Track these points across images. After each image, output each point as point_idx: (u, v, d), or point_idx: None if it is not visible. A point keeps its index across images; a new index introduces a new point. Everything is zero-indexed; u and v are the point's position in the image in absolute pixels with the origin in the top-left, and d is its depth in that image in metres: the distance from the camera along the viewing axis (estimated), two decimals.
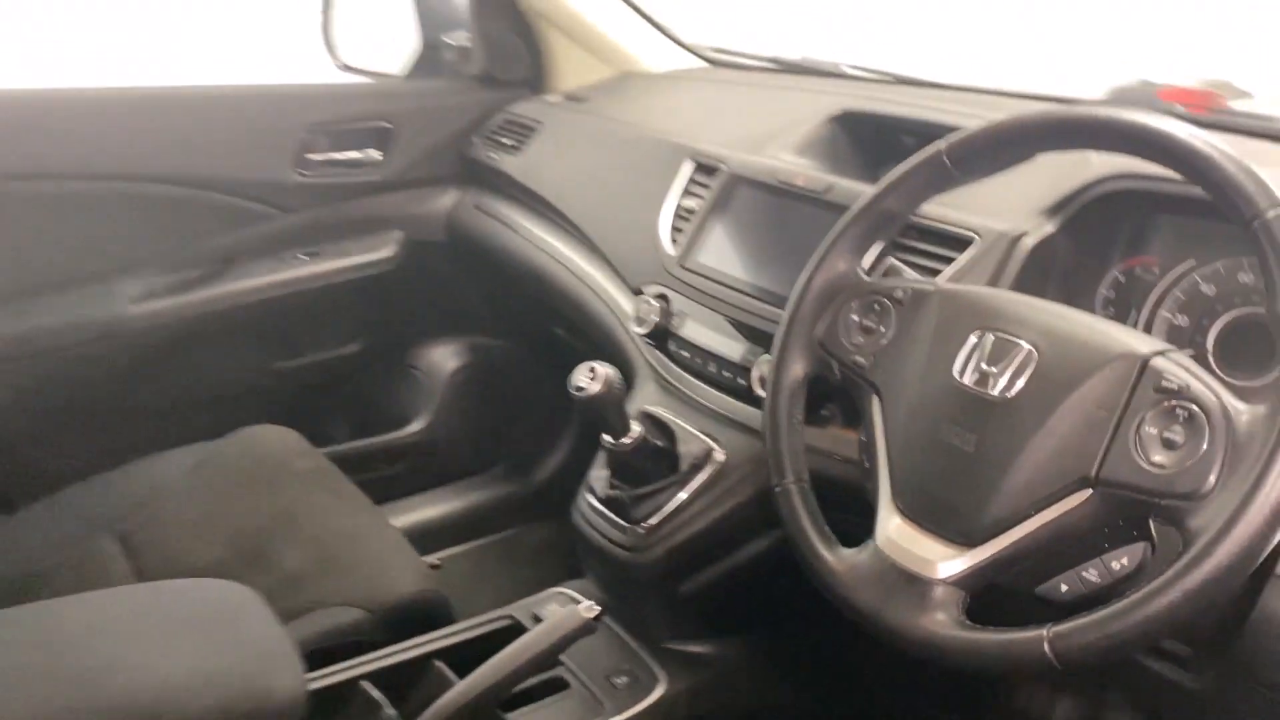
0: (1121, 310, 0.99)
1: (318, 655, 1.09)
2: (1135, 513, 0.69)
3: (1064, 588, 0.72)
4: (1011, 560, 0.72)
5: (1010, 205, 1.01)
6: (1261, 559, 0.62)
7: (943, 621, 0.72)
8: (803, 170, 1.21)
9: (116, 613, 0.96)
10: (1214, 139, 0.71)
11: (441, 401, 1.83)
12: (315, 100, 1.70)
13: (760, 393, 1.03)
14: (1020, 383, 0.75)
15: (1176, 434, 0.67)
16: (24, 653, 0.87)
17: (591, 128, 1.64)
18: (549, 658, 1.05)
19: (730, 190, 1.26)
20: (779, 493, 0.87)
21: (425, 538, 1.53)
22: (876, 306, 0.88)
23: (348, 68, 1.82)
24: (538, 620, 1.13)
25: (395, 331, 1.85)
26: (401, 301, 1.80)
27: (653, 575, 1.13)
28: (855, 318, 0.89)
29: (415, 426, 1.81)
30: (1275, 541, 0.62)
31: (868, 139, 1.32)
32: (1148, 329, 0.97)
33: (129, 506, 1.33)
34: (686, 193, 1.33)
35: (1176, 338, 0.95)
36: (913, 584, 0.74)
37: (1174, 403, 0.67)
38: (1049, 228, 0.98)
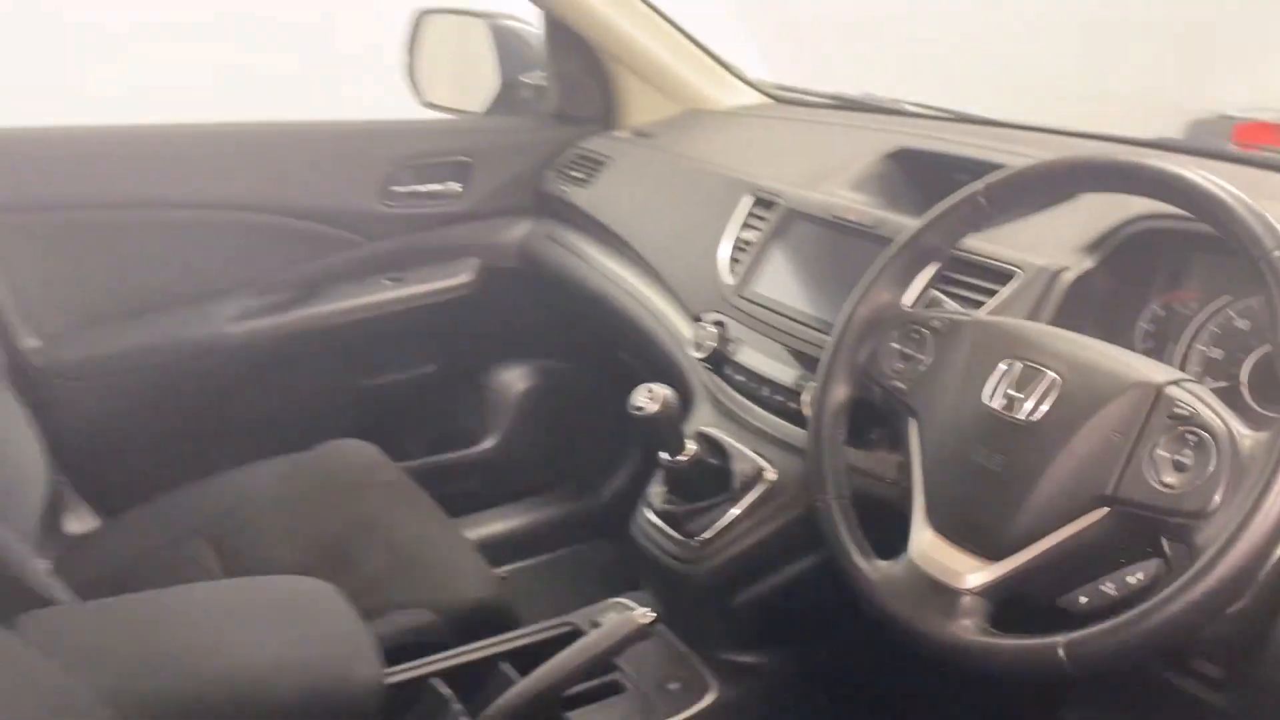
0: (1160, 343, 1.03)
1: (391, 653, 1.17)
2: (1147, 530, 0.74)
3: (1083, 600, 0.77)
4: (1033, 572, 0.77)
5: (1052, 240, 1.06)
6: (1263, 571, 0.66)
7: (967, 628, 0.78)
8: (856, 205, 1.27)
9: (214, 603, 1.06)
10: (1226, 183, 0.76)
11: (511, 421, 1.92)
12: (401, 136, 1.81)
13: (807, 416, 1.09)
14: (1044, 407, 0.80)
15: (1186, 457, 0.71)
16: (134, 635, 0.97)
17: (657, 162, 1.72)
18: (606, 659, 1.11)
19: (787, 223, 1.33)
20: (821, 507, 0.93)
21: (493, 550, 1.62)
22: (915, 335, 0.94)
23: (431, 105, 1.93)
24: (596, 627, 1.20)
25: (469, 353, 1.94)
26: (476, 325, 1.89)
27: (706, 586, 1.19)
28: (896, 345, 0.95)
29: (486, 444, 1.90)
30: (1276, 555, 0.66)
31: (922, 175, 1.38)
32: (1184, 361, 1.01)
33: (221, 513, 1.43)
34: (745, 225, 1.39)
35: (1212, 370, 0.99)
36: (941, 593, 0.80)
37: (1185, 428, 0.72)
38: (1088, 263, 1.02)
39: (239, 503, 1.45)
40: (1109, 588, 0.76)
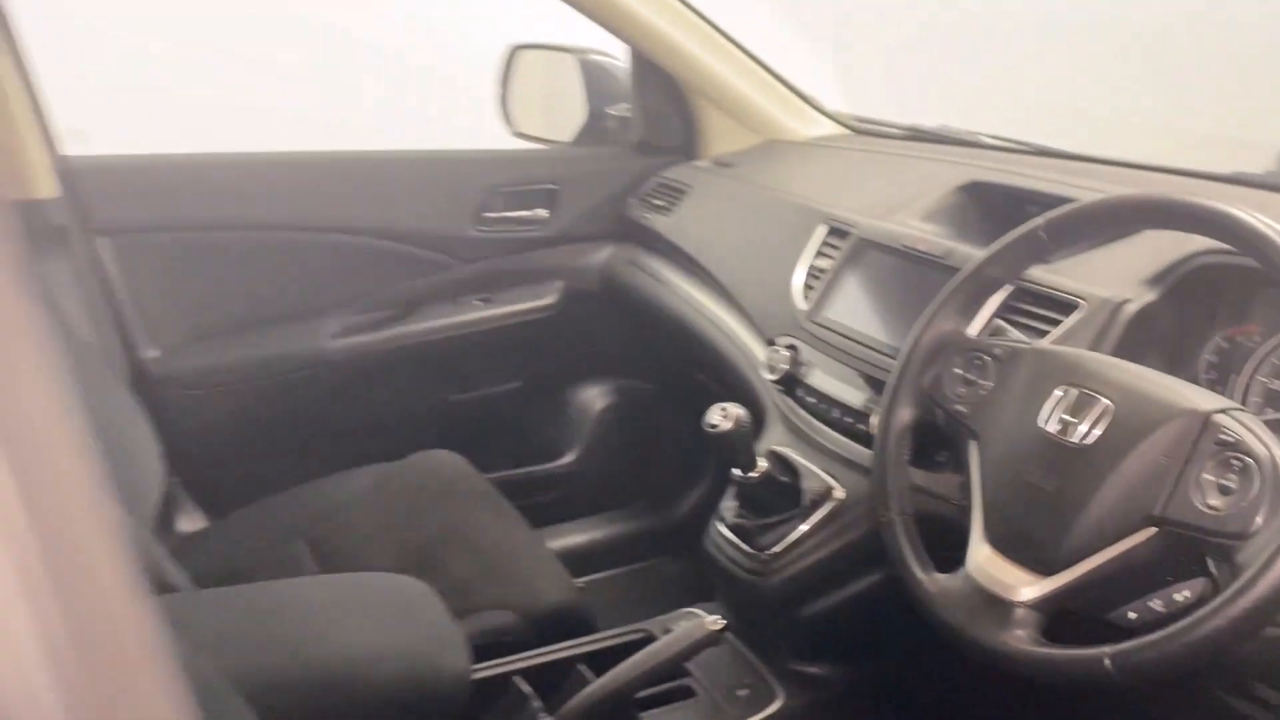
0: (1223, 374, 1.07)
1: (475, 651, 1.25)
2: (1193, 549, 0.78)
3: (1132, 615, 0.81)
4: (1084, 588, 0.82)
5: (1116, 273, 1.10)
6: None
7: (1020, 638, 0.82)
8: (926, 236, 1.32)
9: (321, 595, 1.15)
10: (1272, 221, 0.80)
11: (591, 437, 1.99)
12: (494, 165, 1.91)
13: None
14: (1097, 432, 0.84)
15: (1231, 481, 0.75)
16: (251, 621, 1.06)
17: (736, 191, 1.79)
18: (678, 663, 1.18)
19: (859, 252, 1.39)
20: (884, 523, 0.99)
21: (570, 561, 1.69)
22: (978, 361, 0.99)
23: (522, 135, 2.02)
24: (669, 633, 1.26)
25: (552, 371, 2.03)
26: (559, 344, 1.98)
27: (775, 598, 1.25)
28: (959, 371, 1.00)
29: (566, 459, 1.98)
30: None
31: (993, 208, 1.42)
32: (1245, 392, 1.04)
33: (320, 515, 1.53)
34: (819, 253, 1.45)
35: (1274, 401, 1.02)
36: (996, 605, 0.85)
37: (1230, 454, 0.76)
38: (1151, 296, 1.06)
39: (336, 507, 1.54)
40: (1157, 604, 0.80)
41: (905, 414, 1.02)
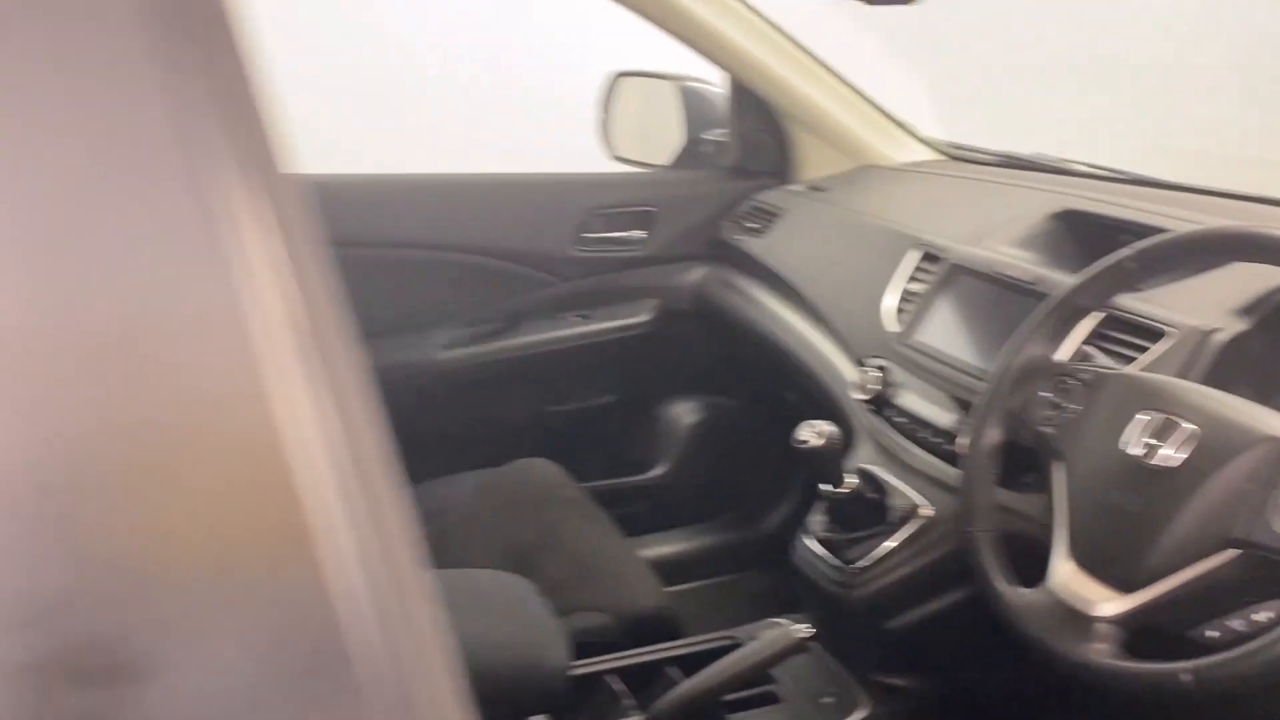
0: None
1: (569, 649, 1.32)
2: (1273, 572, 0.80)
3: (1211, 634, 0.84)
4: (1164, 605, 0.85)
5: (1206, 302, 1.12)
6: None
7: (1101, 651, 0.86)
8: (1017, 263, 1.36)
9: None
10: None
11: (680, 451, 2.06)
12: (595, 187, 2.00)
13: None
14: (1181, 456, 0.87)
15: None
16: None
17: (829, 215, 1.84)
18: (765, 669, 1.23)
19: (951, 277, 1.42)
20: (970, 538, 1.03)
21: (657, 571, 1.75)
22: (1065, 386, 1.02)
23: (620, 159, 2.11)
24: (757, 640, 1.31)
25: (645, 386, 2.10)
26: (652, 361, 2.04)
27: (861, 610, 1.29)
28: (1046, 394, 1.04)
29: (657, 471, 2.05)
30: None
31: (1086, 236, 1.44)
32: None
33: (426, 516, 1.62)
34: (912, 278, 1.49)
35: None
36: (1077, 619, 0.88)
37: None
38: (1242, 325, 1.08)
39: (439, 509, 1.63)
40: (1237, 623, 0.83)
41: (993, 434, 1.06)
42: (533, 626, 1.18)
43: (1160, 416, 0.91)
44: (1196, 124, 2.85)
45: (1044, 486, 1.06)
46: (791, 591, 1.44)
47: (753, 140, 2.01)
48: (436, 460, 1.79)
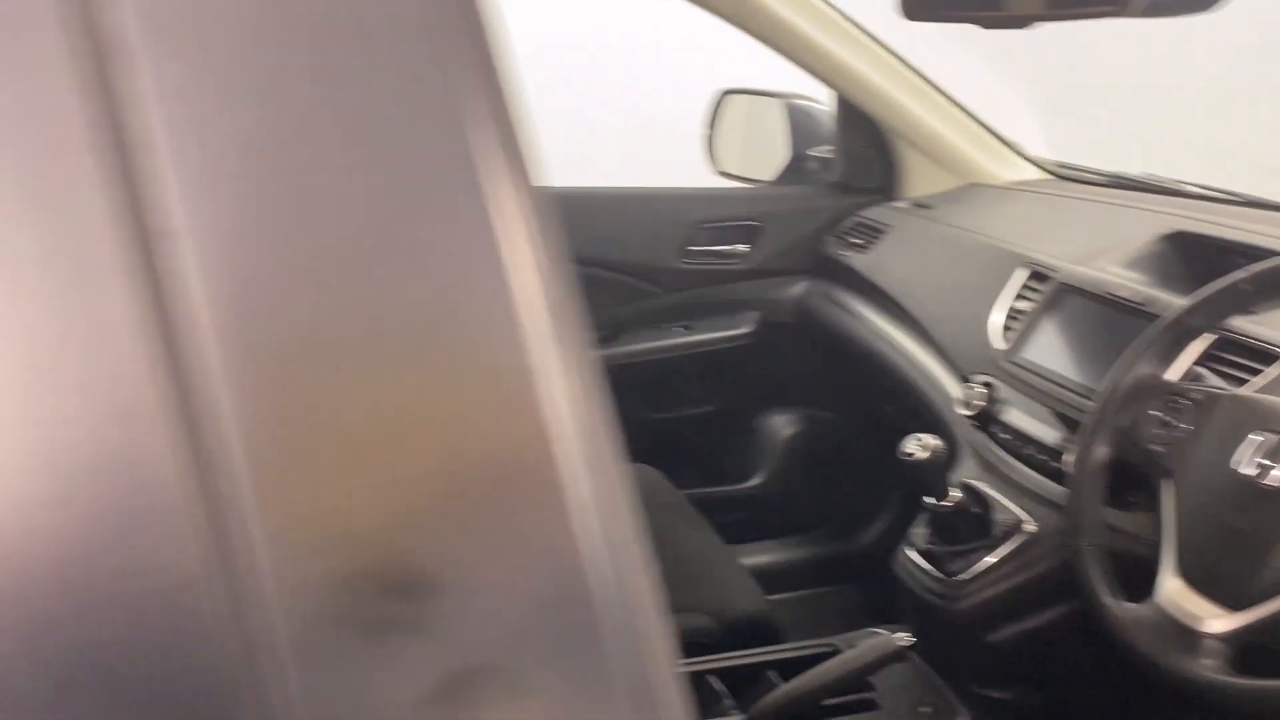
0: None
1: None
2: None
3: None
4: (1274, 624, 0.85)
5: None
6: None
7: (1208, 666, 0.87)
8: (1128, 283, 1.36)
9: None
10: None
11: (778, 462, 2.09)
12: (702, 202, 2.05)
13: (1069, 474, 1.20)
14: None
15: None
16: None
17: (934, 232, 1.85)
18: (865, 675, 1.26)
19: (1059, 296, 1.43)
20: (1077, 551, 1.04)
21: (755, 580, 1.79)
22: (1175, 405, 1.03)
23: (725, 175, 2.15)
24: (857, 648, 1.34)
25: (744, 397, 2.13)
26: (752, 372, 2.08)
27: (962, 622, 1.31)
28: (1156, 413, 1.05)
29: (754, 481, 2.08)
30: None
31: (1198, 258, 1.44)
32: None
33: None
34: (1019, 296, 1.50)
35: None
36: (1185, 635, 0.89)
37: None
38: None
39: None
40: None
41: (1102, 452, 1.07)
42: None
43: (1274, 438, 0.92)
44: None
45: (1151, 504, 1.07)
46: (886, 605, 1.46)
47: (858, 157, 2.03)
48: None
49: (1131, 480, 1.10)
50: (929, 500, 1.31)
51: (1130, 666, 0.97)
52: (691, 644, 1.40)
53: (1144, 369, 1.08)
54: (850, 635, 1.43)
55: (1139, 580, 0.99)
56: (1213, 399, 1.00)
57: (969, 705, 1.32)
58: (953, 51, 2.05)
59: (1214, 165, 2.17)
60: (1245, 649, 0.87)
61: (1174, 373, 1.09)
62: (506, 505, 0.30)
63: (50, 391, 0.26)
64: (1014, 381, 1.41)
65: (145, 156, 0.27)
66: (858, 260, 1.93)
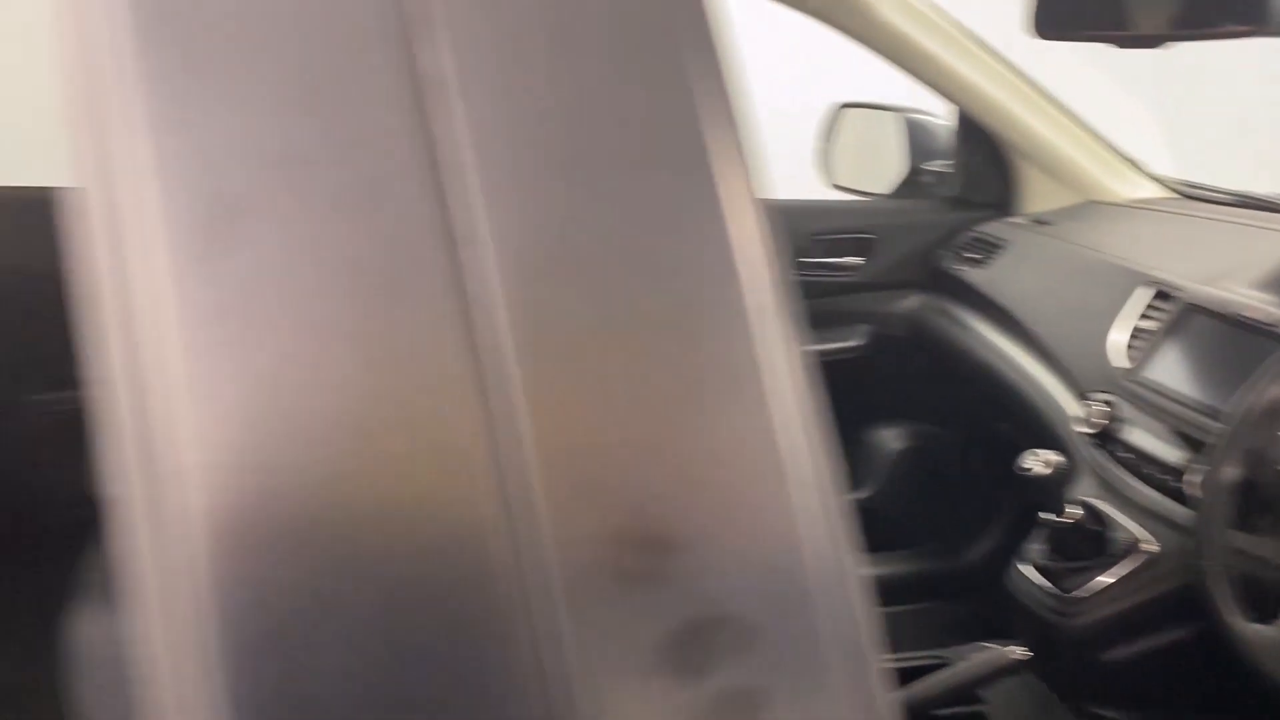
0: None
1: None
2: None
3: None
4: None
5: None
6: None
7: None
8: (1257, 304, 1.34)
9: None
10: None
11: (886, 476, 2.09)
12: (818, 214, 2.07)
13: (1195, 495, 1.19)
14: None
15: None
16: None
17: (1054, 249, 1.84)
18: (978, 687, 1.27)
19: (1184, 316, 1.42)
20: (1205, 573, 1.04)
21: None
22: None
23: (839, 188, 2.17)
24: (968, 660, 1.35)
25: (854, 410, 2.14)
26: (863, 385, 2.09)
27: (1078, 640, 1.30)
28: None
29: (861, 494, 2.09)
30: None
31: None
32: None
33: None
34: (1143, 315, 1.49)
35: None
36: None
37: None
38: None
39: None
40: None
41: (1231, 473, 1.07)
42: None
43: None
44: None
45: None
46: (993, 620, 1.46)
47: (976, 172, 2.04)
48: None
49: (1260, 502, 1.10)
50: (1046, 516, 1.32)
51: (1256, 690, 0.97)
52: None
53: (1276, 390, 1.07)
54: (960, 649, 1.44)
55: (1268, 603, 0.99)
56: None
57: None
58: (1076, 66, 2.04)
59: None
60: None
61: None
62: (737, 479, 0.34)
63: (377, 368, 0.31)
64: (1136, 400, 1.40)
65: (453, 174, 0.32)
66: (974, 275, 1.93)
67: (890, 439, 2.12)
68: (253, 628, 0.29)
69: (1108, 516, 1.34)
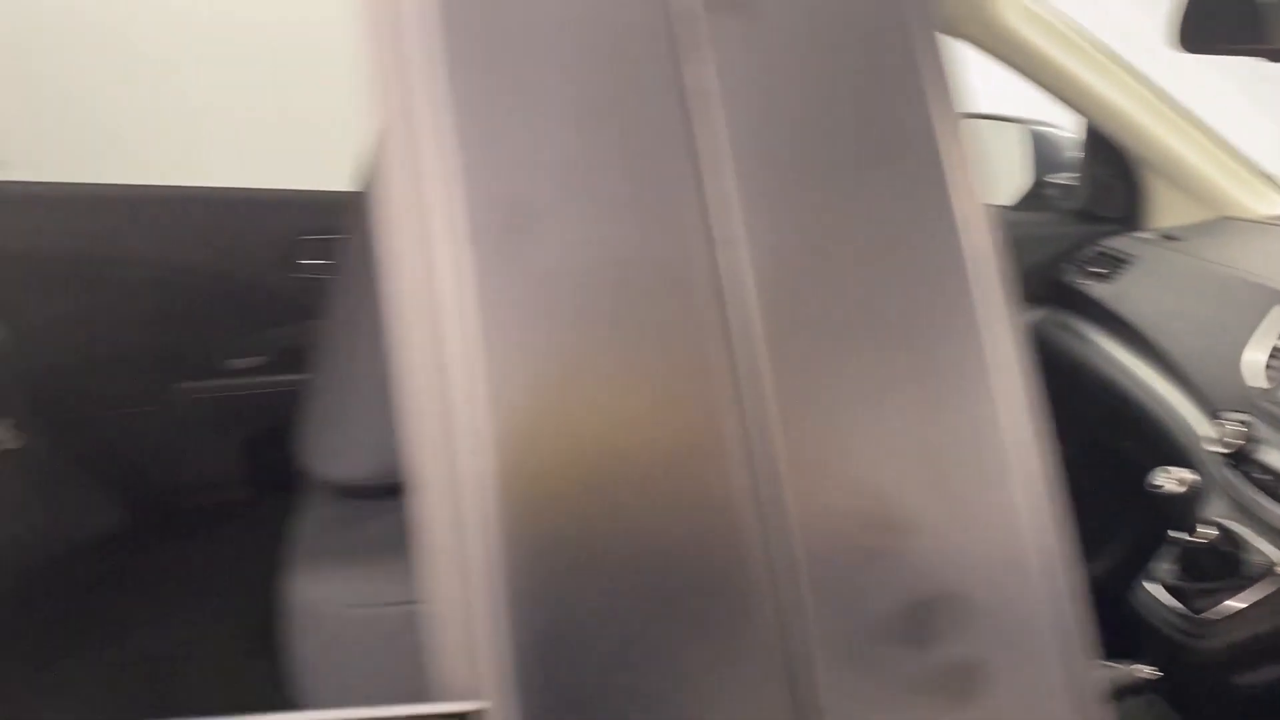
0: None
1: None
2: None
3: None
4: None
5: None
6: None
7: None
8: None
9: None
10: None
11: None
12: None
13: None
14: None
15: None
16: None
17: (1183, 265, 1.81)
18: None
19: None
20: None
21: None
22: None
23: None
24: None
25: None
26: None
27: (1208, 662, 1.28)
28: None
29: None
30: None
31: None
32: None
33: None
34: None
35: None
36: None
37: None
38: None
39: None
40: None
41: None
42: None
43: None
44: None
45: None
46: (1112, 638, 1.43)
47: (1104, 185, 2.01)
48: None
49: None
50: (1178, 535, 1.30)
51: None
52: None
53: None
54: None
55: None
56: None
57: None
58: (1212, 79, 2.00)
59: None
60: None
61: None
62: (966, 470, 0.37)
63: (645, 355, 0.35)
64: (1274, 421, 1.37)
65: (714, 180, 0.35)
66: (1099, 290, 1.90)
67: None
68: (533, 579, 0.32)
69: (1241, 538, 1.31)
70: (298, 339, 2.09)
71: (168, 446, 1.96)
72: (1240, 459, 1.39)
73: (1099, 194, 2.02)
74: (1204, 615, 1.28)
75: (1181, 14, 1.21)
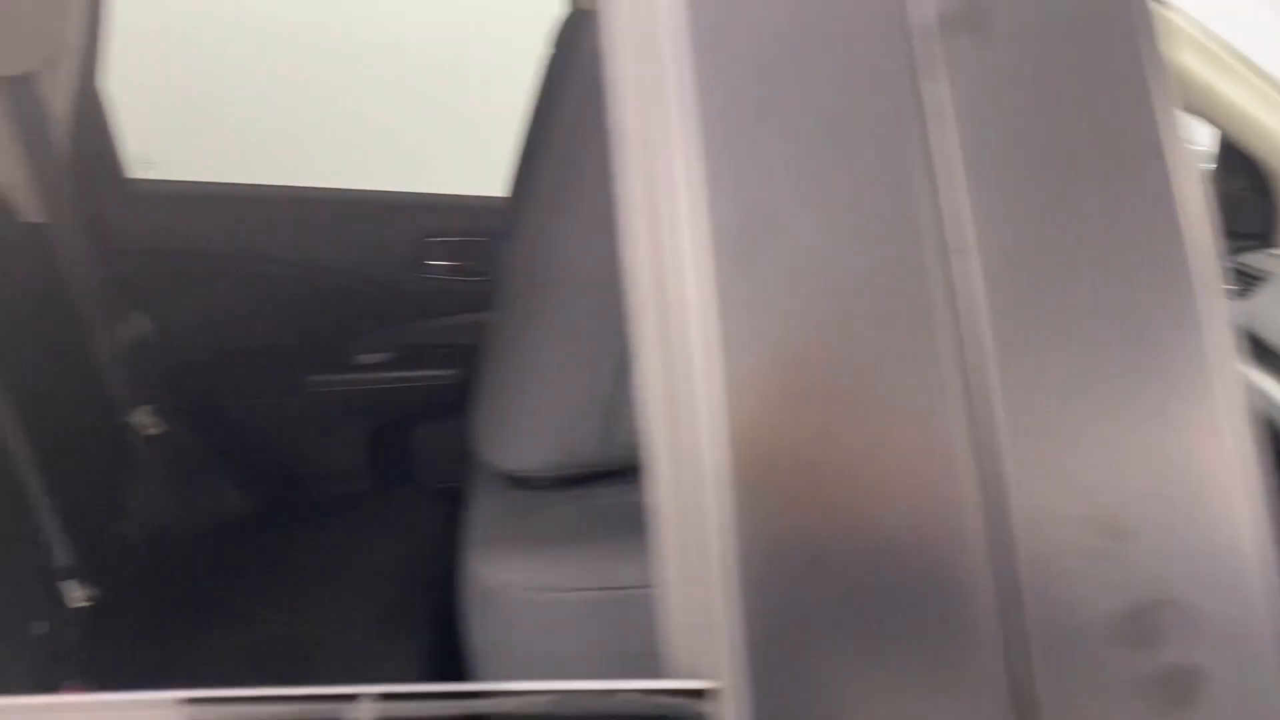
0: None
1: None
2: None
3: None
4: None
5: None
6: None
7: None
8: None
9: None
10: None
11: None
12: None
13: None
14: None
15: None
16: None
17: None
18: None
19: None
20: None
21: None
22: None
23: None
24: None
25: None
26: None
27: None
28: None
29: None
30: None
31: None
32: None
33: None
34: None
35: None
36: None
37: None
38: None
39: None
40: None
41: None
42: None
43: None
44: None
45: None
46: None
47: (1237, 200, 1.95)
48: None
49: None
50: None
51: None
52: None
53: None
54: None
55: None
56: None
57: None
58: None
59: None
60: None
61: None
62: (1187, 475, 0.38)
63: (877, 359, 0.37)
64: None
65: (948, 191, 0.37)
66: (1233, 308, 1.84)
67: None
68: (765, 569, 0.34)
69: None
70: (423, 336, 2.16)
71: (297, 437, 2.03)
72: None
73: (1233, 209, 1.96)
74: None
75: None
